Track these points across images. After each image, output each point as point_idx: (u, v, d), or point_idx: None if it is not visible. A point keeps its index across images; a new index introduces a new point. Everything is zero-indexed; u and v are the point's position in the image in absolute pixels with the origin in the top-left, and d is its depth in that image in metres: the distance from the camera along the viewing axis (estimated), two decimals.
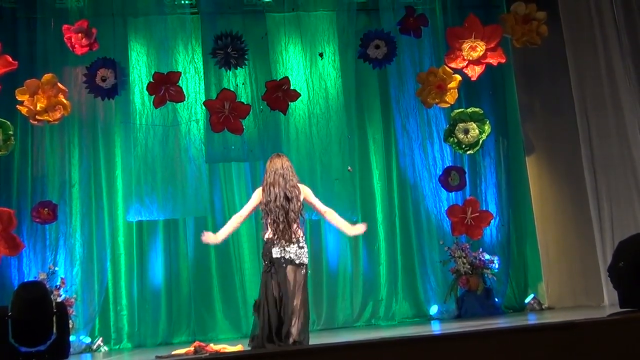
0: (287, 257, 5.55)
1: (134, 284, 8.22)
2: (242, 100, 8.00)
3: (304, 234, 5.70)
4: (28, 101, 7.46)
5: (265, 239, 5.65)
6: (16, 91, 7.47)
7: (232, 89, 7.96)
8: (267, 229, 5.63)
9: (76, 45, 7.65)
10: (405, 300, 8.69)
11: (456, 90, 8.26)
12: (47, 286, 6.93)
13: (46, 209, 7.66)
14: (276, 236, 5.56)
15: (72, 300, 7.65)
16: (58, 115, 7.54)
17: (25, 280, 7.47)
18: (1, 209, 7.31)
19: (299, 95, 8.07)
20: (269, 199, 5.60)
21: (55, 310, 4.34)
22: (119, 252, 8.27)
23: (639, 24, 8.43)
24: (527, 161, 9.06)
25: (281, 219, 5.55)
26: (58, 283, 7.66)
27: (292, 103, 8.08)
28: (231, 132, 7.86)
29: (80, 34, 7.62)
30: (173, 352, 6.59)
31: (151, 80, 7.79)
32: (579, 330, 2.55)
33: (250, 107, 7.96)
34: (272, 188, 5.62)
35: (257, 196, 5.74)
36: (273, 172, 5.68)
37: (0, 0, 8.06)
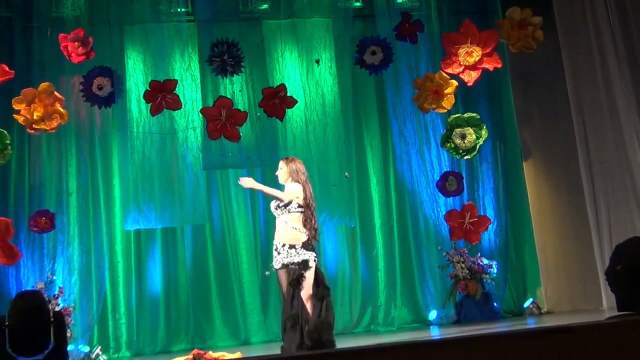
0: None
1: (132, 292, 8.20)
2: (239, 107, 7.99)
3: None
4: (25, 110, 7.45)
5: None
6: (13, 100, 7.47)
7: (228, 96, 7.96)
8: (301, 224, 5.78)
9: (72, 54, 7.66)
10: (404, 306, 8.69)
11: (453, 95, 8.27)
12: (45, 295, 6.92)
13: (44, 218, 7.63)
14: (311, 232, 5.78)
15: (70, 309, 7.62)
16: (55, 124, 7.53)
17: (23, 289, 7.45)
18: None
19: (295, 101, 8.06)
20: (309, 194, 5.86)
21: (52, 319, 4.33)
22: (117, 261, 8.25)
23: (634, 29, 8.46)
24: (524, 166, 9.06)
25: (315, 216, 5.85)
26: (56, 292, 7.62)
27: (289, 110, 8.08)
28: (228, 139, 7.85)
29: (76, 43, 7.62)
30: None
31: (148, 88, 7.79)
32: (576, 334, 2.55)
33: (247, 114, 7.95)
34: (307, 185, 5.90)
35: (300, 189, 5.84)
36: (303, 173, 5.95)
37: None
